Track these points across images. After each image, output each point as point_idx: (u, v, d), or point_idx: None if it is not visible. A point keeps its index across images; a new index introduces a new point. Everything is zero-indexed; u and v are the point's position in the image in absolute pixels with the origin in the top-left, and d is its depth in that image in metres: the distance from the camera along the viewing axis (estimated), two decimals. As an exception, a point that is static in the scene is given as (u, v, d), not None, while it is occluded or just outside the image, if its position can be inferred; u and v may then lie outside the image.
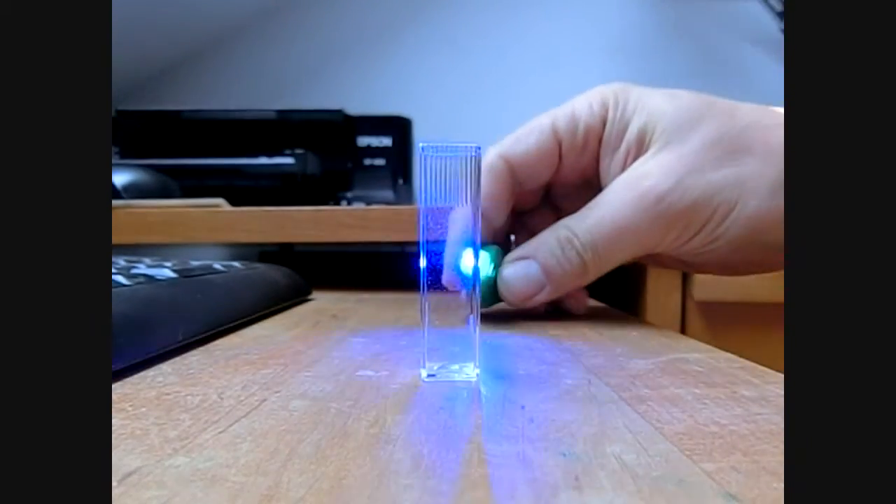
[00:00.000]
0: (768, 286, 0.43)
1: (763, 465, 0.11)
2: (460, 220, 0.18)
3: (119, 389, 0.16)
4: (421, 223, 0.18)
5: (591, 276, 0.30)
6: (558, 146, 0.31)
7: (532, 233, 0.32)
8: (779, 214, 0.29)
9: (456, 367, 0.17)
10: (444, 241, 0.18)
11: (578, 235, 0.29)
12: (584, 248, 0.29)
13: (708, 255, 0.30)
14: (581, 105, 0.31)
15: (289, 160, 0.62)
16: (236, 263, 0.36)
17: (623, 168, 0.30)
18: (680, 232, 0.29)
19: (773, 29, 0.81)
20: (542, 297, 0.30)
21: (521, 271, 0.30)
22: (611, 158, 0.31)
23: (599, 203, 0.30)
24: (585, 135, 0.31)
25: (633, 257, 0.30)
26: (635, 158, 0.30)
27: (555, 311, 0.35)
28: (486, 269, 0.30)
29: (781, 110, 0.31)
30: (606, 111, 0.31)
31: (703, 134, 0.29)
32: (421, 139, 0.17)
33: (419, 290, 0.18)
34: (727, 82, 0.80)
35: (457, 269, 0.18)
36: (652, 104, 0.30)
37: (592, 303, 0.41)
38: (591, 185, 0.32)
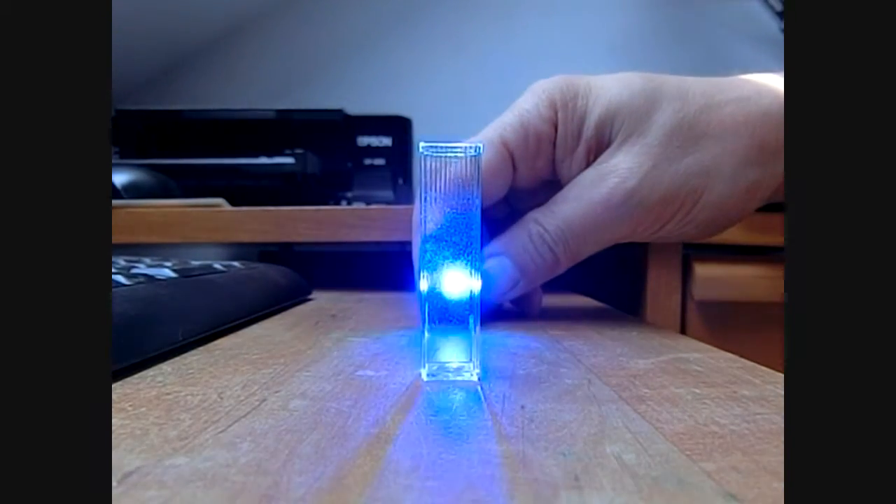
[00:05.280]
0: (768, 286, 0.43)
1: (763, 465, 0.11)
2: (430, 220, 0.18)
3: (119, 389, 0.16)
4: (422, 222, 0.18)
5: (564, 269, 0.30)
6: (510, 159, 0.30)
7: (491, 229, 0.31)
8: (743, 194, 0.30)
9: (456, 367, 0.17)
10: (445, 242, 0.18)
11: (549, 231, 0.29)
12: (556, 243, 0.29)
13: (678, 237, 0.32)
14: (528, 111, 0.30)
15: (289, 160, 0.62)
16: (236, 263, 0.36)
17: (586, 164, 0.30)
18: (650, 224, 0.30)
19: (773, 29, 0.81)
20: (517, 292, 0.30)
21: (496, 268, 0.30)
22: (570, 159, 0.30)
23: (568, 198, 0.30)
24: (537, 142, 0.30)
25: (604, 248, 0.31)
26: (597, 154, 0.30)
27: (555, 312, 0.35)
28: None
29: (727, 81, 0.31)
30: (556, 113, 0.30)
31: (662, 122, 0.29)
32: (421, 139, 0.17)
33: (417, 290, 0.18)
34: (727, 82, 0.80)
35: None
36: (605, 96, 0.30)
37: (592, 303, 0.41)
38: (548, 185, 0.32)
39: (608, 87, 0.30)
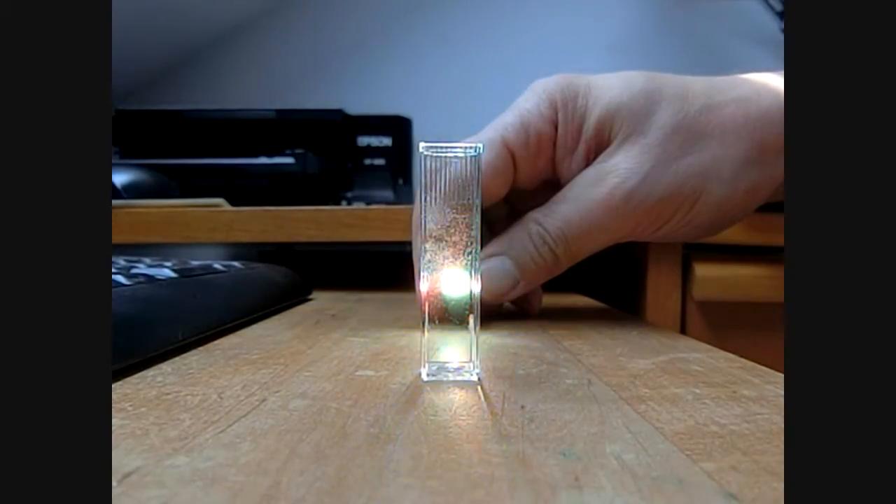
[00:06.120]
0: (768, 286, 0.43)
1: (763, 465, 0.11)
2: (430, 220, 0.18)
3: (119, 389, 0.16)
4: (422, 222, 0.18)
5: (564, 269, 0.30)
6: (511, 159, 0.30)
7: (492, 229, 0.31)
8: (742, 195, 0.30)
9: (456, 367, 0.17)
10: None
11: (549, 231, 0.29)
12: (556, 243, 0.29)
13: (678, 237, 0.32)
14: (529, 111, 0.30)
15: (289, 160, 0.62)
16: (236, 263, 0.36)
17: (586, 164, 0.30)
18: (649, 224, 0.30)
19: (773, 29, 0.81)
20: (517, 292, 0.30)
21: (496, 268, 0.30)
22: (570, 159, 0.30)
23: (568, 198, 0.30)
24: (538, 142, 0.30)
25: (604, 247, 0.31)
26: (597, 154, 0.30)
27: (555, 312, 0.35)
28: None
29: (727, 81, 0.31)
30: (556, 113, 0.30)
31: (663, 122, 0.29)
32: (421, 139, 0.17)
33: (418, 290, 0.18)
34: (727, 82, 0.80)
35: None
36: (605, 96, 0.30)
37: (592, 303, 0.41)
38: (548, 184, 0.32)
39: (608, 86, 0.30)
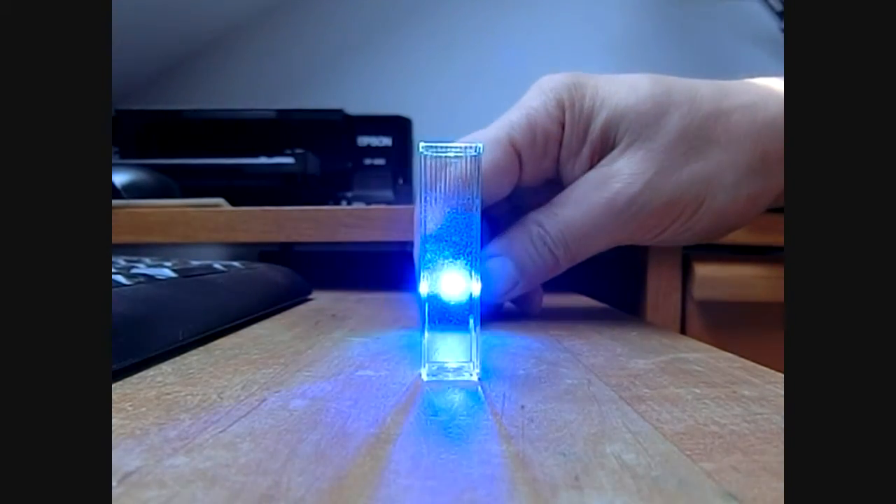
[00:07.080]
0: (768, 286, 0.43)
1: (763, 465, 0.11)
2: (430, 220, 0.18)
3: (119, 389, 0.16)
4: (421, 223, 0.18)
5: (563, 269, 0.31)
6: (517, 158, 0.30)
7: (493, 228, 0.32)
8: (744, 203, 0.30)
9: (456, 367, 0.17)
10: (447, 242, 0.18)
11: (550, 233, 0.29)
12: (556, 245, 0.29)
13: (677, 242, 0.32)
14: (536, 110, 0.30)
15: (289, 160, 0.62)
16: (236, 263, 0.36)
17: (590, 166, 0.30)
18: (650, 229, 0.30)
19: (773, 29, 0.81)
20: (517, 292, 0.30)
21: (496, 269, 0.30)
22: (574, 160, 0.30)
23: (569, 200, 0.29)
24: (544, 142, 0.30)
25: (604, 250, 0.31)
26: (601, 157, 0.30)
27: (555, 312, 0.35)
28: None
29: (734, 86, 0.31)
30: (563, 113, 0.30)
31: (669, 128, 0.29)
32: (421, 139, 0.17)
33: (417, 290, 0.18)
34: (727, 82, 0.80)
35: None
36: (612, 99, 0.29)
37: (592, 303, 0.41)
38: (550, 184, 0.32)
39: (616, 89, 0.30)
